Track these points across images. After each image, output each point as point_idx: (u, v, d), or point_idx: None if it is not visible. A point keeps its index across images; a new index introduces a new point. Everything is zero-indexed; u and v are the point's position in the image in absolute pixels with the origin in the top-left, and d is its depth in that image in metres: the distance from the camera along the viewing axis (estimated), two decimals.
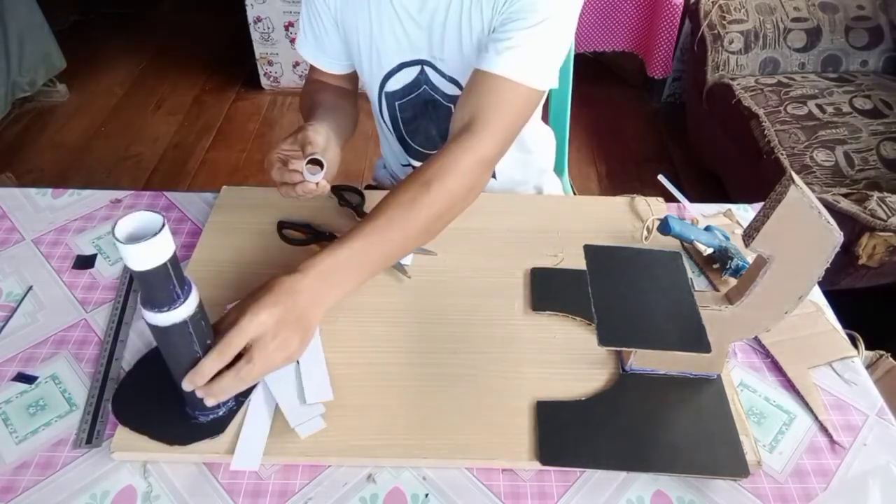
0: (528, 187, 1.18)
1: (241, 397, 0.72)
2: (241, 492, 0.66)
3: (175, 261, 0.58)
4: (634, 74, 2.77)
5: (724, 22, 2.11)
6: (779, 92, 2.01)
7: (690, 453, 0.68)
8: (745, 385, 0.77)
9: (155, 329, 0.61)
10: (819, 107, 1.94)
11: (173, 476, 0.67)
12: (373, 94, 1.04)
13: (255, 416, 0.70)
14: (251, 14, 2.55)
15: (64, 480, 0.66)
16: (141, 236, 0.54)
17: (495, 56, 0.81)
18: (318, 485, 0.66)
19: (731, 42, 2.12)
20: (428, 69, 0.96)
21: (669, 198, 1.01)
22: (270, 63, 2.70)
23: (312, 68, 1.05)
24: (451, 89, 0.98)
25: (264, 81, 2.76)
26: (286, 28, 2.58)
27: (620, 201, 0.99)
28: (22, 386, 0.74)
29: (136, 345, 0.78)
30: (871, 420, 0.73)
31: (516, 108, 0.83)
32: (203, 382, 0.63)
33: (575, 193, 1.33)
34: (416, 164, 1.09)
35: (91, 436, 0.69)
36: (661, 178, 1.03)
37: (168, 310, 0.59)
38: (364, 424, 0.70)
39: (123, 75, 2.89)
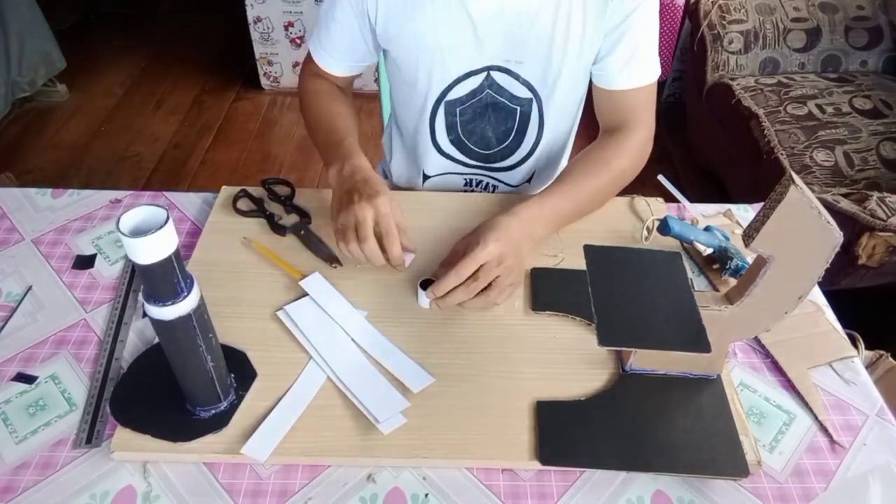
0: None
1: (242, 391, 0.72)
2: (241, 492, 0.65)
3: (178, 254, 0.58)
4: None
5: (724, 22, 2.11)
6: (778, 92, 2.01)
7: (690, 453, 0.68)
8: (746, 385, 0.77)
9: (159, 323, 0.61)
10: (819, 107, 1.94)
11: (173, 476, 0.67)
12: (425, 103, 1.00)
13: (283, 412, 0.70)
14: (251, 14, 2.55)
15: (63, 480, 0.66)
16: (146, 230, 0.55)
17: (622, 72, 0.93)
18: (318, 485, 0.66)
19: (730, 42, 2.12)
20: (496, 74, 0.96)
21: (669, 198, 1.00)
22: (270, 63, 2.70)
23: (312, 61, 1.02)
24: (522, 92, 0.98)
25: (264, 81, 2.76)
26: (286, 28, 2.58)
27: (620, 201, 0.99)
28: (22, 386, 0.74)
29: (135, 345, 0.78)
30: (870, 420, 0.73)
31: (653, 98, 0.97)
32: (441, 294, 0.77)
33: None
34: (471, 162, 1.07)
35: (91, 436, 0.69)
36: (660, 178, 1.03)
37: (172, 303, 0.60)
38: (364, 424, 0.70)
39: (123, 75, 2.89)
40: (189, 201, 0.99)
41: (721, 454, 0.68)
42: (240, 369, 0.74)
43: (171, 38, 3.15)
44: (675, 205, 1.00)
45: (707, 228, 0.90)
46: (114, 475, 0.67)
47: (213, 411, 0.70)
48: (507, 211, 0.84)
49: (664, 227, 0.88)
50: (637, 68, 0.93)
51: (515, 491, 0.66)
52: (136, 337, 0.79)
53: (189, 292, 0.61)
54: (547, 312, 0.82)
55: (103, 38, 3.13)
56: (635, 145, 0.95)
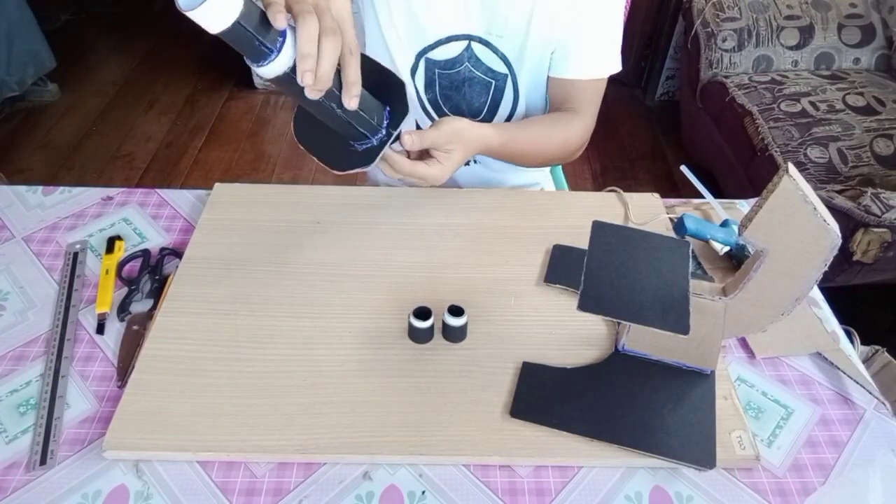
0: (538, 186, 1.20)
1: (392, 129, 0.74)
2: (235, 490, 0.65)
3: (250, 16, 0.57)
4: (628, 73, 2.77)
5: (718, 20, 2.12)
6: (772, 89, 2.01)
7: (660, 436, 0.68)
8: (743, 380, 0.77)
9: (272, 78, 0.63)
10: (812, 104, 1.94)
11: (166, 475, 0.66)
12: (402, 61, 0.99)
13: None
14: None
15: (55, 480, 0.65)
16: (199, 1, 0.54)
17: (579, 61, 0.95)
18: (314, 483, 0.66)
19: (724, 40, 2.12)
20: (476, 45, 0.96)
21: (665, 194, 1.00)
22: None
23: None
24: (499, 66, 0.98)
25: (257, 81, 2.75)
26: None
27: (613, 196, 0.99)
28: (11, 385, 0.73)
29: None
30: (868, 414, 0.73)
31: (600, 94, 1.00)
32: (392, 164, 0.79)
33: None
34: None
35: (44, 456, 0.67)
36: (683, 168, 1.02)
37: (265, 63, 0.61)
38: (359, 421, 0.69)
39: (115, 74, 2.88)
40: (182, 198, 0.98)
41: (691, 443, 0.67)
42: (397, 99, 0.75)
43: (164, 38, 3.13)
44: (671, 200, 1.00)
45: (725, 223, 0.89)
46: (105, 474, 0.66)
47: (367, 145, 0.75)
48: (492, 133, 0.87)
49: (680, 227, 0.88)
50: (586, 61, 0.95)
51: (513, 487, 0.66)
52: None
53: (278, 53, 0.60)
54: (558, 286, 0.83)
55: (95, 38, 3.11)
56: (580, 129, 0.99)
